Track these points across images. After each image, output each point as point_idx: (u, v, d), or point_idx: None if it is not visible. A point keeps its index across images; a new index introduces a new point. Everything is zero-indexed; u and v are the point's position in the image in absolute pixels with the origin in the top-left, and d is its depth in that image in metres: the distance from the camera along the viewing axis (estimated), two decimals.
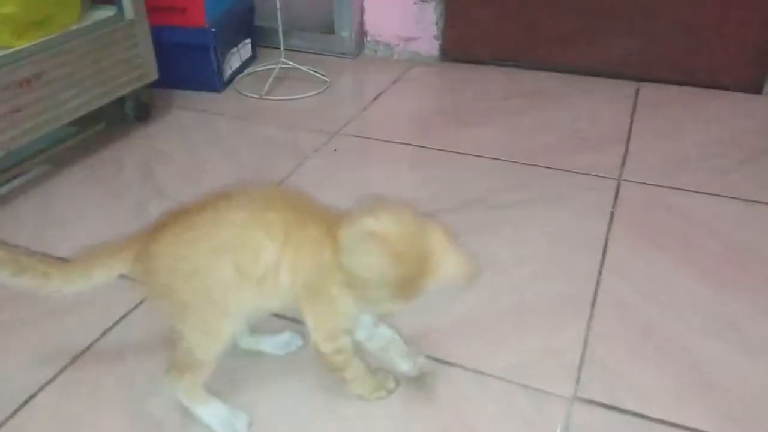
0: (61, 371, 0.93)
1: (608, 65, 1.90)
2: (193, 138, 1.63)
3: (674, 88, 1.84)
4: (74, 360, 0.95)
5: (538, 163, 1.48)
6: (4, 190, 1.38)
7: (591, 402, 0.88)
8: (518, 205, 1.33)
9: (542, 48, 1.96)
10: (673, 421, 0.85)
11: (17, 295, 1.06)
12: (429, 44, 2.08)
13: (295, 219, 0.76)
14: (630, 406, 0.87)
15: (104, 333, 1.00)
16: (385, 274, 0.68)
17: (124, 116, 1.64)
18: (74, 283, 0.77)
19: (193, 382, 0.81)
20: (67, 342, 0.98)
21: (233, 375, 0.91)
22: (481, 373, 0.93)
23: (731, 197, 1.33)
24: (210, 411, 0.83)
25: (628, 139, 1.58)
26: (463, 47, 2.05)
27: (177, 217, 0.76)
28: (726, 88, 1.82)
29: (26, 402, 0.89)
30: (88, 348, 0.97)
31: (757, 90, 1.81)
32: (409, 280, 0.69)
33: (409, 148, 1.58)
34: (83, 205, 1.34)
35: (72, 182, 1.42)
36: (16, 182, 1.40)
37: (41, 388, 0.91)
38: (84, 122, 1.55)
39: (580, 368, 0.93)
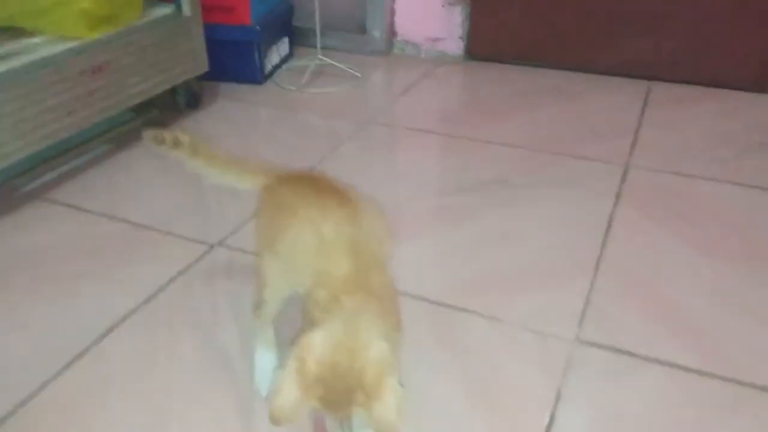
0: (144, 302, 1.10)
1: (622, 66, 2.04)
2: (237, 124, 1.80)
3: (684, 87, 1.97)
4: (149, 299, 1.11)
5: (554, 151, 1.62)
6: (75, 164, 1.55)
7: (591, 343, 1.02)
8: (534, 185, 1.47)
9: (562, 49, 2.10)
10: (662, 359, 0.99)
11: (103, 246, 1.24)
12: (455, 44, 2.23)
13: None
14: (625, 347, 1.01)
15: (172, 280, 1.16)
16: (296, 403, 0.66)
17: (175, 104, 1.82)
18: (219, 174, 0.92)
19: (261, 322, 0.93)
20: (145, 282, 1.14)
21: None
22: (496, 319, 1.07)
23: (732, 183, 1.46)
24: (259, 359, 0.94)
25: (637, 131, 1.71)
26: (487, 47, 2.19)
27: (298, 178, 0.89)
28: (733, 88, 1.94)
29: (109, 330, 1.05)
30: (164, 287, 1.14)
31: (763, 89, 1.92)
32: (331, 406, 0.68)
33: (434, 137, 1.73)
34: (143, 178, 1.51)
35: (133, 159, 1.59)
36: (85, 158, 1.58)
37: (123, 319, 1.07)
38: (140, 109, 1.73)
39: (582, 317, 1.07)
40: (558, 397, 0.93)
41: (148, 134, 0.91)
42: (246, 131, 1.76)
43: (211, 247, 1.26)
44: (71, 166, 1.54)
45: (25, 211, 1.38)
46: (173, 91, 1.76)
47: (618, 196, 1.42)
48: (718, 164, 1.53)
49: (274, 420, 0.65)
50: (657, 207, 1.37)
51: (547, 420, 0.89)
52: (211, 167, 0.92)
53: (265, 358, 0.95)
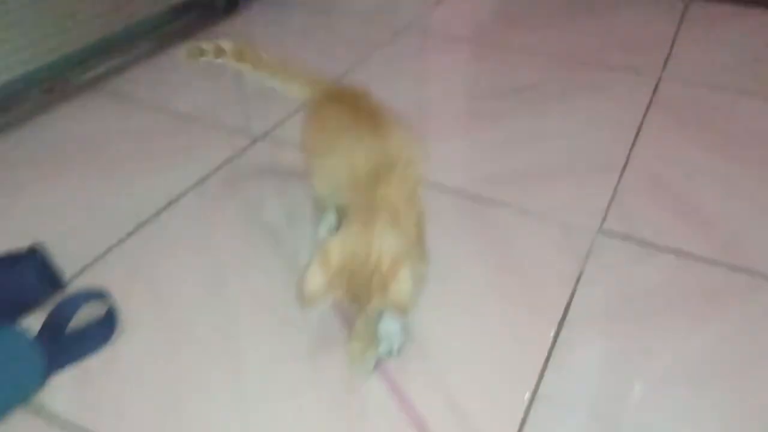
0: (196, 184, 1.18)
1: None
2: (273, 28, 1.83)
3: (721, 6, 1.95)
4: (201, 182, 1.20)
5: (586, 62, 1.64)
6: (123, 59, 1.62)
7: (612, 233, 1.09)
8: (565, 92, 1.51)
9: None
10: (678, 249, 1.05)
11: (153, 134, 1.31)
12: None
13: None
14: (645, 237, 1.07)
15: (219, 167, 1.24)
16: (322, 289, 0.75)
17: (214, 8, 1.85)
18: (266, 79, 0.98)
19: (323, 212, 1.04)
20: (195, 167, 1.22)
21: None
22: (523, 210, 1.14)
23: (763, 97, 1.48)
24: (324, 218, 1.05)
25: (672, 46, 1.72)
26: None
27: (341, 98, 0.94)
28: None
29: (166, 207, 1.14)
30: (213, 172, 1.22)
31: None
32: (353, 296, 0.76)
33: (467, 45, 1.76)
34: (187, 74, 1.56)
35: (176, 57, 1.64)
36: (132, 55, 1.64)
37: (178, 198, 1.16)
38: (179, 13, 1.77)
39: (606, 210, 1.14)
40: (579, 279, 1.00)
41: (188, 49, 0.96)
42: (281, 35, 1.80)
43: (255, 139, 1.33)
44: (119, 62, 1.60)
45: (78, 101, 1.45)
46: None
47: (649, 105, 1.45)
48: (750, 79, 1.55)
49: (304, 302, 0.75)
50: (687, 117, 1.41)
51: (567, 297, 0.97)
52: (258, 72, 0.98)
53: (329, 217, 1.05)
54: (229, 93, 1.49)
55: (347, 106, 0.93)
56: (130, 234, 1.08)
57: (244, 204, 1.15)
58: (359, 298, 0.76)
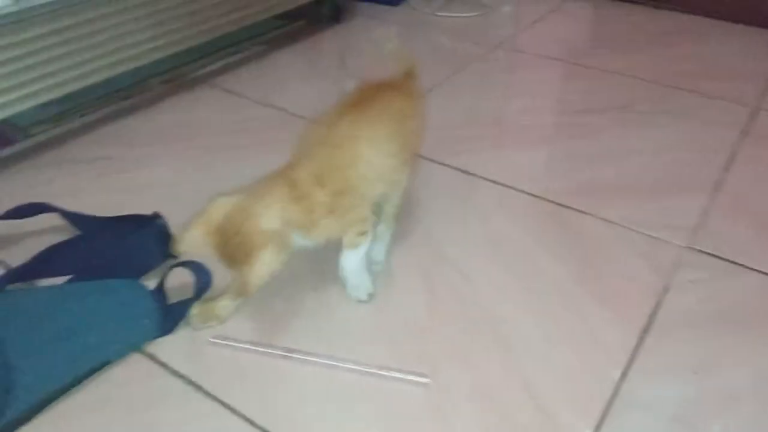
0: None
1: (753, 15, 1.99)
2: (372, 38, 1.93)
3: None
4: None
5: (679, 86, 1.64)
6: (234, 58, 1.74)
7: (700, 251, 1.09)
8: (657, 114, 1.52)
9: None
10: (764, 270, 1.05)
11: (257, 126, 1.38)
12: None
13: None
14: (732, 256, 1.07)
15: None
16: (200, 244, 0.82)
17: (320, 16, 1.96)
18: None
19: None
20: None
21: None
22: (611, 222, 1.16)
23: None
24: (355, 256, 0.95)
25: None
26: None
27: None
28: None
29: None
30: None
31: None
32: (226, 255, 0.81)
33: (560, 64, 1.79)
34: (292, 75, 1.67)
35: (283, 59, 1.76)
36: (240, 55, 1.76)
37: None
38: (289, 18, 1.90)
39: (695, 228, 1.14)
40: (664, 291, 1.01)
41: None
42: (380, 46, 1.89)
43: None
44: (231, 60, 1.73)
45: (191, 92, 1.58)
46: (320, 3, 1.90)
47: (744, 132, 1.44)
48: None
49: (175, 247, 0.82)
50: None
51: (652, 307, 0.98)
52: None
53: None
54: (328, 93, 1.58)
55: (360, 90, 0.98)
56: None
57: None
58: (225, 260, 0.81)
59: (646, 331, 0.94)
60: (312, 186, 0.84)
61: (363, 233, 0.91)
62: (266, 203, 0.81)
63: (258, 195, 0.82)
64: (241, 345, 0.89)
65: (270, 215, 0.80)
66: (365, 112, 0.93)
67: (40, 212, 1.06)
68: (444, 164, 1.31)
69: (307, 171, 0.85)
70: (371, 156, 0.90)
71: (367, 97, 0.96)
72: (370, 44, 1.08)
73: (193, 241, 0.81)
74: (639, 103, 1.56)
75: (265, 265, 0.78)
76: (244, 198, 0.82)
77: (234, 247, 0.79)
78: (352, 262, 0.93)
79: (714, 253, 1.09)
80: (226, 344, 0.89)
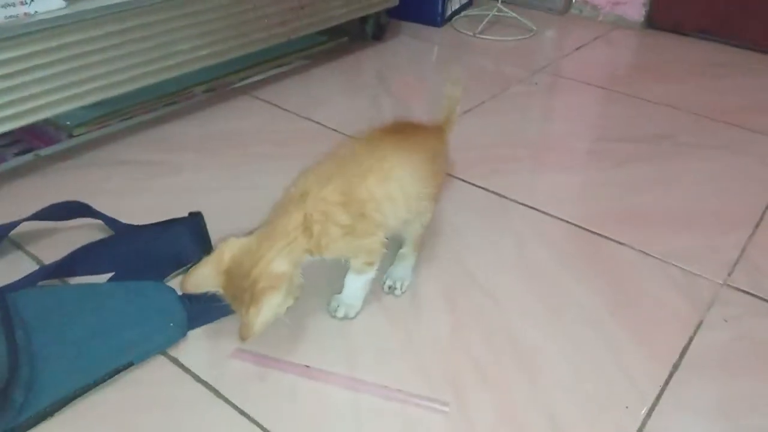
0: None
1: None
2: (413, 58, 1.94)
3: None
4: None
5: (724, 120, 1.60)
6: (277, 71, 1.77)
7: (737, 288, 1.06)
8: (700, 146, 1.48)
9: (745, 26, 2.03)
10: None
11: (295, 137, 1.40)
12: (636, 10, 2.21)
13: None
14: None
15: None
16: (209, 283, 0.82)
17: (363, 34, 1.98)
18: None
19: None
20: None
21: None
22: (646, 253, 1.13)
23: None
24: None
25: None
26: (670, 16, 2.16)
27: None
28: None
29: None
30: None
31: None
32: (233, 297, 0.81)
33: (602, 91, 1.77)
34: (332, 91, 1.69)
35: (323, 75, 1.78)
36: (285, 68, 1.79)
37: None
38: (332, 34, 1.92)
39: (734, 264, 1.11)
40: (699, 326, 0.98)
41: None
42: (420, 65, 1.90)
43: None
44: (273, 73, 1.76)
45: (233, 102, 1.61)
46: (363, 20, 1.92)
47: None
48: None
49: (183, 286, 0.83)
50: None
51: (685, 342, 0.95)
52: None
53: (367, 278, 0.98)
54: (367, 110, 1.59)
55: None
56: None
57: None
58: (232, 300, 0.82)
59: (676, 367, 0.91)
60: (335, 206, 0.85)
61: (370, 264, 0.92)
62: (277, 246, 0.81)
63: (269, 236, 0.82)
64: (263, 357, 0.89)
65: (279, 258, 0.81)
66: (402, 142, 0.95)
67: (77, 215, 1.08)
68: (479, 186, 1.30)
69: (334, 190, 0.85)
70: (400, 185, 0.91)
71: (404, 129, 1.00)
72: (444, 81, 1.10)
73: (203, 280, 0.82)
74: (681, 134, 1.53)
75: (270, 309, 0.78)
76: (255, 239, 0.82)
77: (242, 290, 0.79)
78: (354, 283, 0.95)
79: (751, 291, 1.05)
80: (249, 354, 0.89)
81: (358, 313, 0.97)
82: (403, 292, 1.02)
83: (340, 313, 0.96)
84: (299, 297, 0.85)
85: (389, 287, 1.02)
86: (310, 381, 0.86)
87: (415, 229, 1.01)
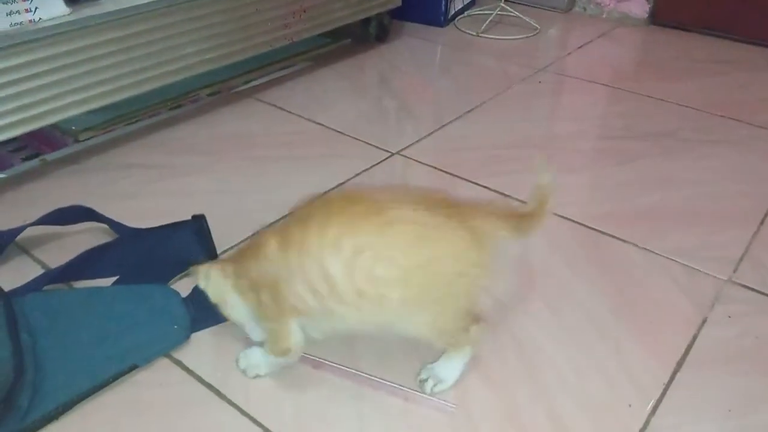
0: (334, 187, 1.27)
1: None
2: (419, 58, 1.94)
3: None
4: (339, 186, 1.29)
5: (728, 115, 1.60)
6: (281, 73, 1.78)
7: (741, 285, 1.05)
8: (704, 143, 1.48)
9: (753, 21, 2.02)
10: None
11: (299, 140, 1.41)
12: (640, 7, 2.20)
13: None
14: None
15: (357, 174, 1.33)
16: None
17: (366, 35, 1.98)
18: None
19: None
20: (335, 172, 1.32)
21: None
22: (649, 251, 1.13)
23: None
24: None
25: None
26: (674, 12, 2.15)
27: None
28: None
29: None
30: (351, 179, 1.31)
31: None
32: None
33: (605, 89, 1.76)
34: (335, 92, 1.69)
35: (327, 76, 1.79)
36: (288, 70, 1.80)
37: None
38: (335, 36, 1.93)
39: (739, 261, 1.10)
40: (702, 324, 0.98)
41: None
42: (424, 65, 1.90)
43: (392, 154, 1.41)
44: (277, 75, 1.77)
45: (238, 105, 1.62)
46: (366, 22, 1.93)
47: None
48: None
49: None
50: None
51: (689, 340, 0.95)
52: None
53: None
54: (371, 112, 1.60)
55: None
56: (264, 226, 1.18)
57: None
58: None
59: (680, 365, 0.91)
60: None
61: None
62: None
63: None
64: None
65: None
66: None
67: (82, 220, 1.09)
68: (482, 185, 1.30)
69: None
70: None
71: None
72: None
73: (213, 280, 0.84)
74: (686, 131, 1.52)
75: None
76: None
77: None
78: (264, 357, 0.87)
79: (755, 287, 1.05)
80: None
81: (258, 376, 0.88)
82: (434, 395, 0.84)
83: (242, 365, 0.88)
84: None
85: (420, 381, 0.86)
86: (316, 381, 0.87)
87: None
